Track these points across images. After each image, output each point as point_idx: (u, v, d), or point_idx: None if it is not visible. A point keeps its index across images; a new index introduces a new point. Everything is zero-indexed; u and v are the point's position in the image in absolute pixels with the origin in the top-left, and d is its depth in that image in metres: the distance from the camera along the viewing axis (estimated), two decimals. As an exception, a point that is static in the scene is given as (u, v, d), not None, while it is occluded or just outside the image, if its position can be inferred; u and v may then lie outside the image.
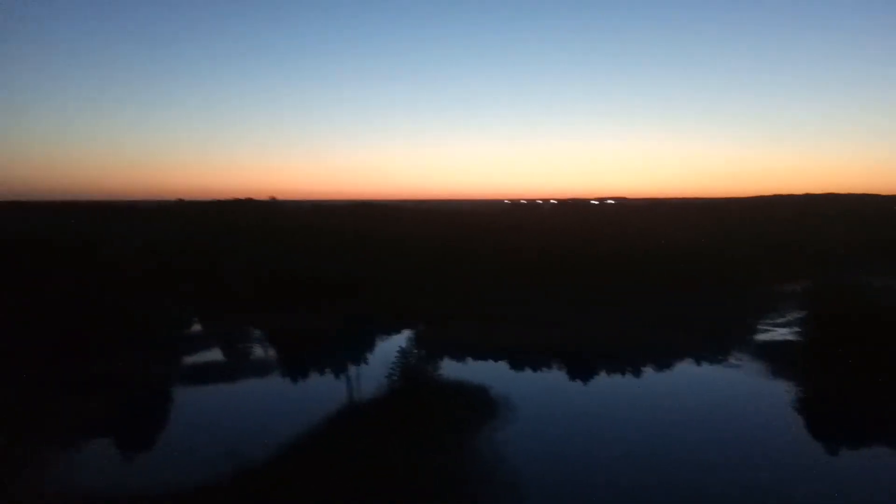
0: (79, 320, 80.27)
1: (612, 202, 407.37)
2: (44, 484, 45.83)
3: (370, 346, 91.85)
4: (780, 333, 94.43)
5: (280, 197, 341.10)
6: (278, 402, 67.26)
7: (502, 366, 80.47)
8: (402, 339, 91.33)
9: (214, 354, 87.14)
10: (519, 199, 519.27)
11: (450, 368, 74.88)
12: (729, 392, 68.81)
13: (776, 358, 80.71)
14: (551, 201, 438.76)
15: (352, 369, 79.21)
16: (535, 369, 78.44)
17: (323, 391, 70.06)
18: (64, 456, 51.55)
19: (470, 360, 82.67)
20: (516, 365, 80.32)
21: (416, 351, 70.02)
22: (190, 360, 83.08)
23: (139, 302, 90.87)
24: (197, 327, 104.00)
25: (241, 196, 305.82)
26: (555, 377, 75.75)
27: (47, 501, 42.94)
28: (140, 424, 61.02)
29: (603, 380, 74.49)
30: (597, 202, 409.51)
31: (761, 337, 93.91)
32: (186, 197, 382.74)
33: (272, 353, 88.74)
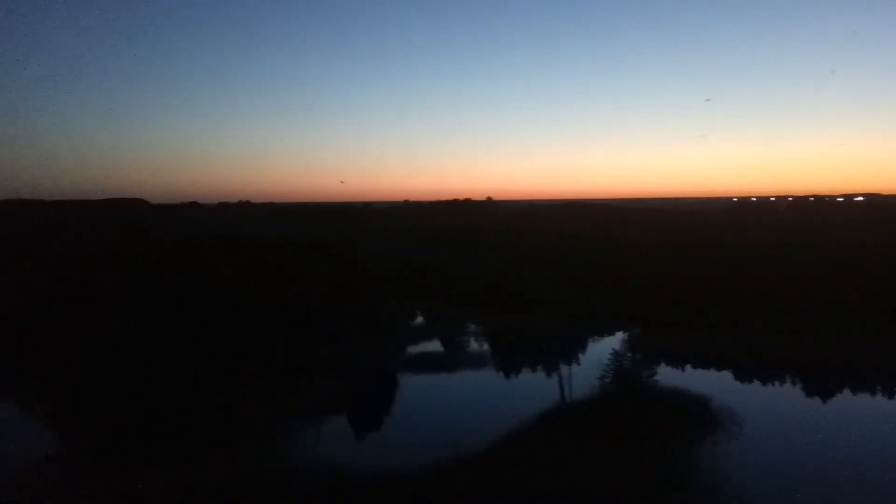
0: (323, 310, 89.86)
1: (861, 199, 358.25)
2: (290, 452, 52.24)
3: (583, 347, 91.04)
4: None
5: (496, 197, 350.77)
6: (493, 395, 69.48)
7: (726, 376, 75.21)
8: (616, 341, 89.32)
9: (435, 346, 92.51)
10: (748, 197, 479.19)
11: (667, 376, 71.76)
12: None
13: None
14: (788, 198, 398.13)
15: (564, 369, 79.21)
16: (764, 382, 72.23)
17: (535, 388, 70.97)
18: (307, 429, 58.23)
19: (689, 369, 78.43)
20: (742, 376, 74.58)
21: (630, 354, 68.23)
22: (414, 349, 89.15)
23: (372, 295, 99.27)
24: (420, 320, 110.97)
25: (461, 196, 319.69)
26: (788, 392, 69.09)
27: (291, 467, 48.86)
28: (370, 406, 66.79)
29: (846, 399, 66.35)
30: (841, 199, 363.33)
31: None
32: (412, 198, 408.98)
33: (488, 348, 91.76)
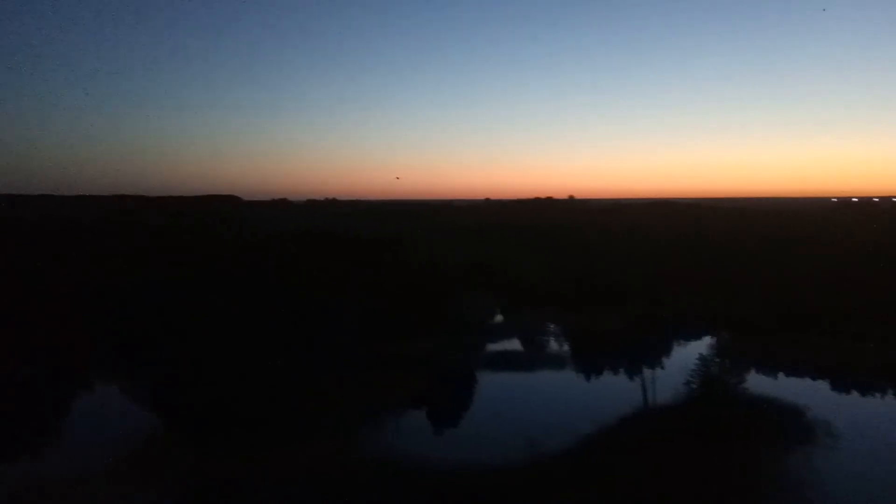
0: (406, 306, 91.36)
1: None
2: (373, 442, 53.49)
3: (668, 350, 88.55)
4: None
5: (579, 195, 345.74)
6: (571, 395, 68.72)
7: (822, 386, 71.34)
8: (703, 345, 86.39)
9: (514, 344, 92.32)
10: (849, 197, 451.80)
11: (758, 383, 68.83)
12: None
13: None
14: (893, 199, 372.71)
15: (647, 372, 77.33)
16: (863, 394, 68.08)
17: (616, 390, 69.67)
18: (389, 421, 59.43)
19: (783, 377, 74.86)
20: (840, 387, 70.54)
21: (718, 360, 65.88)
22: (493, 347, 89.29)
23: (454, 293, 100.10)
24: (499, 318, 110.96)
25: (543, 195, 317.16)
26: (890, 407, 64.84)
27: (373, 457, 50.01)
28: (449, 401, 67.42)
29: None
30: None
31: None
32: (493, 196, 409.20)
33: (568, 348, 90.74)
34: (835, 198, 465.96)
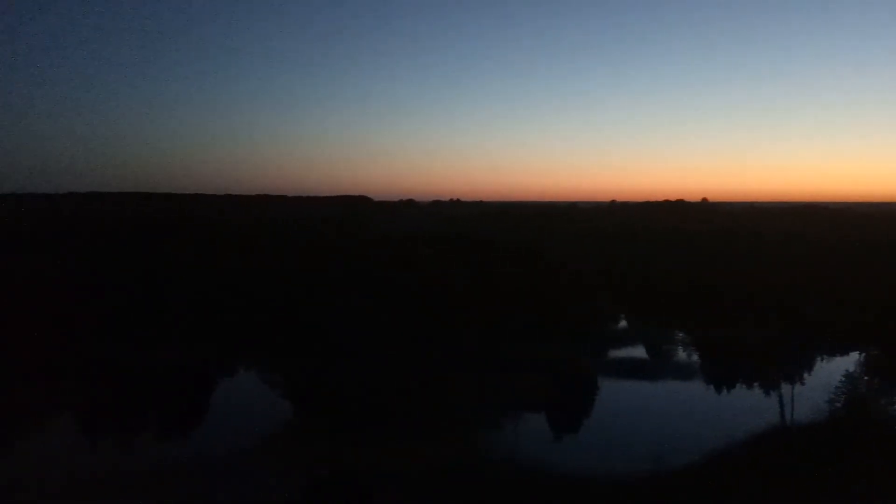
0: (527, 309, 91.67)
1: None
2: (492, 443, 54.44)
3: (809, 365, 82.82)
4: None
5: (712, 198, 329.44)
6: (700, 408, 66.10)
7: None
8: (850, 361, 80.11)
9: (639, 352, 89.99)
10: None
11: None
12: None
13: None
14: None
15: (784, 387, 72.81)
16: None
17: (749, 406, 66.26)
18: (508, 423, 60.14)
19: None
20: None
21: (867, 378, 60.99)
22: (616, 354, 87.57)
23: (576, 297, 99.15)
24: (624, 325, 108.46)
25: (673, 197, 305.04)
26: None
27: (492, 457, 50.90)
28: (569, 407, 67.02)
29: None
30: None
31: None
32: (619, 198, 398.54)
33: (697, 358, 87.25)
34: None
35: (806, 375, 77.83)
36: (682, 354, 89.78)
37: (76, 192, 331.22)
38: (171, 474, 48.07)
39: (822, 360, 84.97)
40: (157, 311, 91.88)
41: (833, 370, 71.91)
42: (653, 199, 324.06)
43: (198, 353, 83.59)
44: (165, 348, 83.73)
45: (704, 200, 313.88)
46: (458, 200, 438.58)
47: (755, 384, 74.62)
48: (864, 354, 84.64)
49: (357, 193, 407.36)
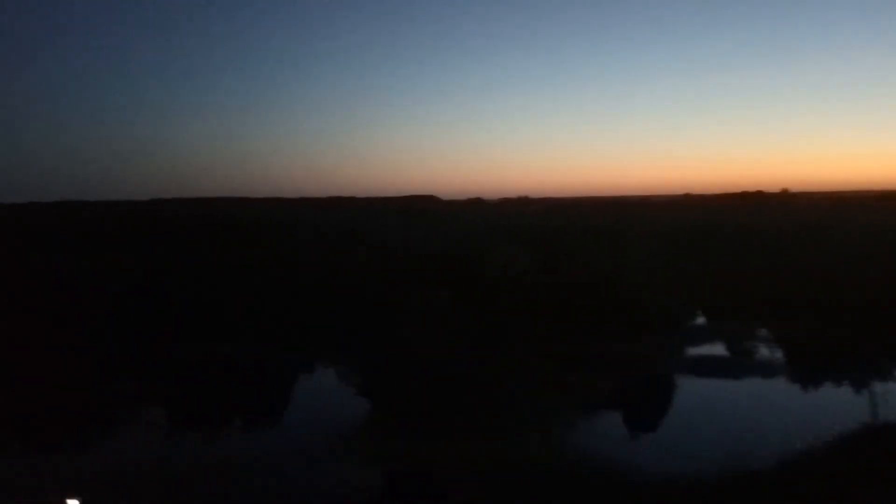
0: (598, 305, 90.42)
1: None
2: (562, 444, 53.98)
3: (903, 363, 78.36)
4: None
5: (794, 189, 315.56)
6: (784, 409, 63.52)
7: None
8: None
9: (718, 350, 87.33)
10: None
11: None
12: None
13: None
14: None
15: (879, 388, 69.13)
16: None
17: (839, 407, 63.21)
18: (579, 423, 59.49)
19: None
20: None
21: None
22: (694, 351, 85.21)
23: (649, 293, 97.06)
24: (702, 321, 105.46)
25: (750, 189, 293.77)
26: None
27: (562, 459, 50.48)
28: (644, 406, 65.73)
29: None
30: None
31: None
32: (693, 191, 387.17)
33: (781, 357, 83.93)
34: None
35: (900, 374, 73.74)
36: (764, 352, 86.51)
37: (161, 198, 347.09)
38: (251, 466, 49.90)
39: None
40: (241, 309, 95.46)
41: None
42: (729, 191, 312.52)
43: (277, 349, 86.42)
44: (248, 345, 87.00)
45: (785, 191, 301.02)
46: (526, 197, 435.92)
47: (844, 382, 71.15)
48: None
49: (425, 193, 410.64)
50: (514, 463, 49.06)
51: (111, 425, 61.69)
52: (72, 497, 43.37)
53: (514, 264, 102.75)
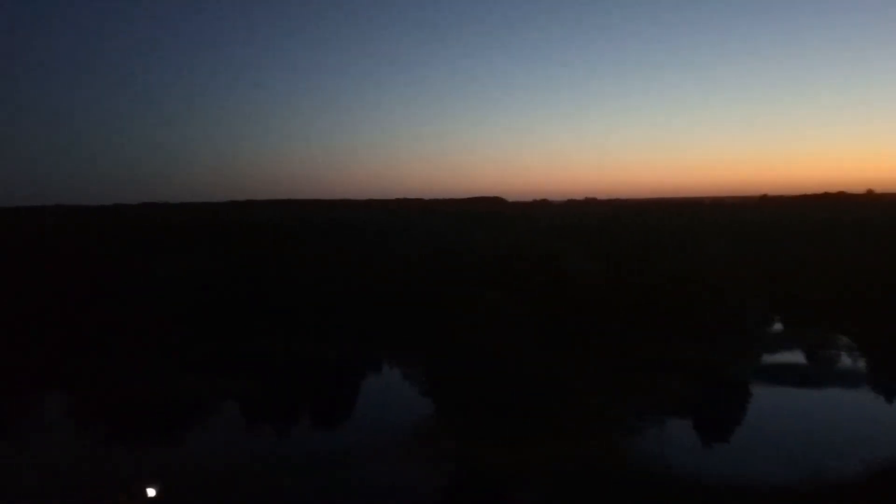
0: (671, 308, 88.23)
1: None
2: (633, 449, 52.86)
3: None
4: None
5: (880, 189, 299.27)
6: (867, 419, 60.35)
7: None
8: None
9: (796, 357, 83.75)
10: None
11: None
12: None
13: None
14: None
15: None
16: None
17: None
18: (651, 428, 58.13)
19: None
20: None
21: None
22: (770, 358, 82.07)
23: (723, 297, 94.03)
24: (779, 327, 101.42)
25: (833, 190, 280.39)
26: None
27: (633, 464, 49.43)
28: (718, 412, 63.61)
29: None
30: None
31: None
32: (772, 193, 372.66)
33: (863, 365, 79.77)
34: None
35: None
36: (845, 360, 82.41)
37: (238, 200, 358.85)
38: (319, 462, 51.06)
39: None
40: (310, 308, 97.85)
41: None
42: (810, 192, 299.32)
43: (345, 348, 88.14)
44: (320, 344, 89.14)
45: (870, 192, 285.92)
46: (593, 199, 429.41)
47: (935, 395, 66.97)
48: None
49: (491, 195, 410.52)
50: (580, 467, 48.43)
51: (189, 419, 64.25)
52: (151, 486, 45.48)
53: (581, 266, 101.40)
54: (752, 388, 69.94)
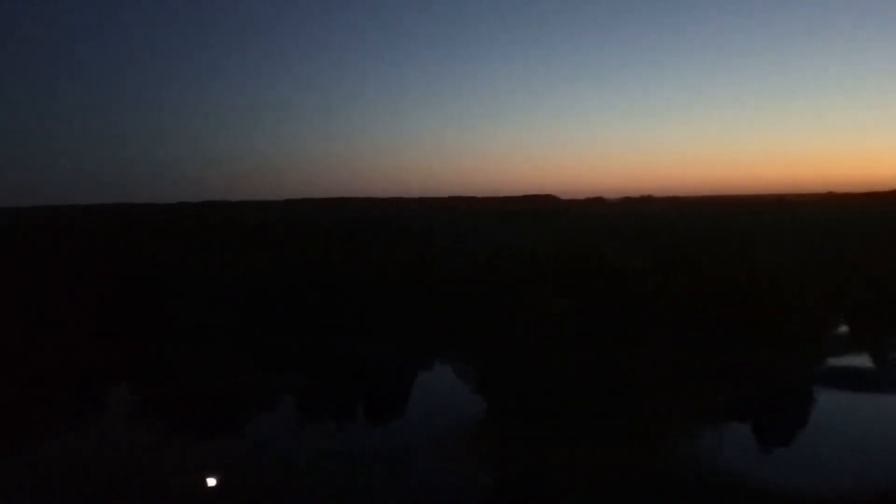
0: (733, 313, 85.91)
1: None
2: (693, 454, 51.80)
3: None
4: None
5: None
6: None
7: None
8: None
9: (862, 361, 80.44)
10: None
11: None
12: None
13: None
14: None
15: None
16: None
17: None
18: (710, 433, 56.83)
19: None
20: None
21: None
22: (837, 362, 79.07)
23: (786, 299, 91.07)
24: (844, 329, 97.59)
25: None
26: None
27: (692, 469, 48.42)
28: (779, 418, 61.70)
29: None
30: None
31: None
32: (837, 189, 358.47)
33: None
34: None
35: None
36: (917, 365, 78.71)
37: (293, 198, 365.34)
38: (371, 460, 51.78)
39: None
40: (366, 307, 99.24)
41: None
42: (878, 189, 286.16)
43: (400, 346, 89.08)
44: (373, 342, 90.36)
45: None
46: (649, 196, 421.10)
47: None
48: None
49: (544, 192, 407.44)
50: (634, 471, 47.78)
51: (247, 413, 66.07)
52: (210, 476, 47.03)
53: (637, 266, 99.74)
54: (816, 393, 67.62)
